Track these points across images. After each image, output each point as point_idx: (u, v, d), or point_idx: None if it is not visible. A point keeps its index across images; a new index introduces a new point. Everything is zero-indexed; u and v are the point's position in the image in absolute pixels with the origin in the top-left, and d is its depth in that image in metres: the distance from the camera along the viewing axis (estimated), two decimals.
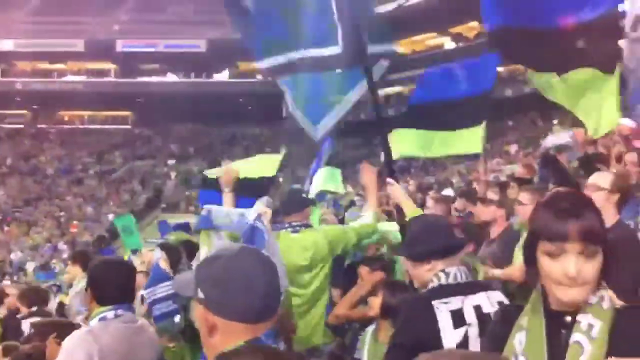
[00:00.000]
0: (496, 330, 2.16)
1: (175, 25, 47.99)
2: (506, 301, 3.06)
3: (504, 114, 29.30)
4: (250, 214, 4.52)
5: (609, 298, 1.99)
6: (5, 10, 45.53)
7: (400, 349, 2.92)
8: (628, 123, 6.82)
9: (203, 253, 6.89)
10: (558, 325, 1.98)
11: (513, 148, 23.42)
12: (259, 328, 1.85)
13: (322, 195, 9.67)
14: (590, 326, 1.93)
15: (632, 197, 4.86)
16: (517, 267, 5.06)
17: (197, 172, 44.53)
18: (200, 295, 1.87)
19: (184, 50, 49.14)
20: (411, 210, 4.60)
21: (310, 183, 9.96)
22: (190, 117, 47.71)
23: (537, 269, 1.99)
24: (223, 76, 51.29)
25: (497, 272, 5.18)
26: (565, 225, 1.92)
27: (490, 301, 2.98)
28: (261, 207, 4.62)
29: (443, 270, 3.05)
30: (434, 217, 4.49)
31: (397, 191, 4.84)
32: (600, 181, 4.56)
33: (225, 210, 4.96)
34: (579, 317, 1.96)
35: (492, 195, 6.66)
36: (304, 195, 7.40)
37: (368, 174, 5.29)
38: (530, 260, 2.02)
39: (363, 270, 4.71)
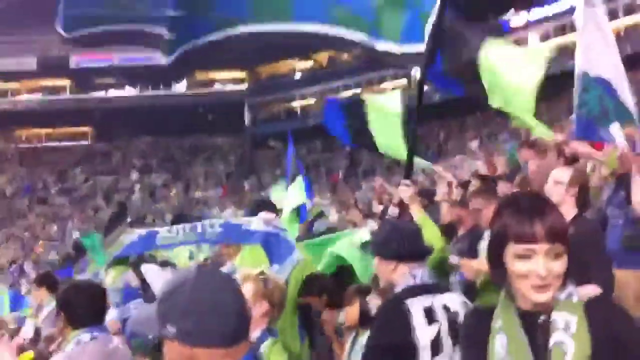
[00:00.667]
0: (471, 333, 2.17)
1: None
2: (468, 302, 3.23)
3: (464, 111, 29.63)
4: (257, 223, 4.50)
5: (576, 291, 2.03)
6: None
7: (378, 350, 3.00)
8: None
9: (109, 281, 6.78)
10: (533, 325, 2.01)
11: (474, 144, 23.70)
12: (239, 351, 1.80)
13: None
14: (568, 323, 1.98)
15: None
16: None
17: (161, 184, 44.26)
18: (171, 330, 1.75)
19: (140, 63, 48.71)
20: (419, 216, 4.77)
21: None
22: (150, 130, 47.35)
23: (504, 269, 2.02)
24: (181, 87, 51.02)
25: (474, 263, 5.27)
26: (532, 227, 1.96)
27: (456, 300, 3.15)
28: (266, 215, 4.62)
29: (411, 273, 3.16)
30: (406, 221, 4.61)
31: (409, 194, 4.99)
32: (559, 175, 4.71)
33: (184, 227, 4.86)
34: (554, 315, 2.00)
35: (455, 195, 6.75)
36: (270, 205, 7.41)
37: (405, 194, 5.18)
38: (496, 261, 2.04)
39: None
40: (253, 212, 5.45)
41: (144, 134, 48.10)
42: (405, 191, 5.03)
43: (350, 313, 4.25)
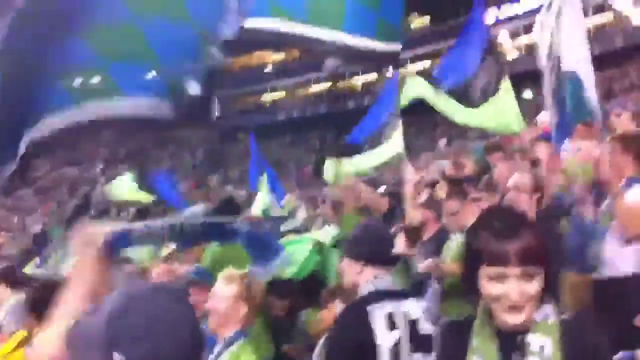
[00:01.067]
0: (448, 351, 2.16)
1: None
2: (432, 309, 3.33)
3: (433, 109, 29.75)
4: (239, 223, 4.38)
5: (552, 311, 2.02)
6: None
7: (339, 352, 3.04)
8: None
9: None
10: (510, 346, 1.99)
11: (442, 143, 23.75)
12: None
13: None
14: (542, 347, 1.96)
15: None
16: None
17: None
18: (119, 358, 1.53)
19: None
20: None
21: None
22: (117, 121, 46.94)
23: (477, 290, 2.01)
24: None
25: (446, 266, 5.24)
26: (505, 249, 1.93)
27: (417, 307, 3.15)
28: (250, 215, 4.56)
29: (376, 278, 3.16)
30: (380, 224, 4.59)
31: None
32: (519, 181, 4.83)
33: (163, 222, 4.72)
34: (529, 339, 1.97)
35: (423, 197, 6.70)
36: (237, 201, 7.32)
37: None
38: (470, 281, 2.02)
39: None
40: (220, 210, 5.34)
41: (110, 125, 47.62)
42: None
43: (326, 315, 4.33)
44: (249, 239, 4.31)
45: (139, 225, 4.87)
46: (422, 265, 5.20)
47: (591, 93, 4.99)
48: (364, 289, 3.17)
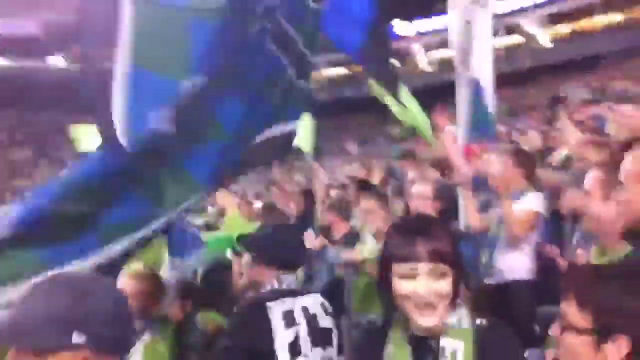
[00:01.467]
0: (365, 356, 2.16)
1: (7, 4, 45.09)
2: (327, 303, 3.21)
3: (343, 113, 30.03)
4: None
5: (466, 316, 2.02)
6: None
7: (234, 350, 2.98)
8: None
9: None
10: (423, 351, 2.00)
11: (352, 146, 23.96)
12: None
13: None
14: (455, 351, 1.97)
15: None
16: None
17: (24, 161, 42.26)
18: (78, 338, 1.63)
19: (15, 32, 46.36)
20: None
21: None
22: (19, 103, 45.12)
23: (391, 291, 2.01)
24: (58, 61, 48.88)
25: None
26: (415, 246, 1.96)
27: (315, 302, 3.16)
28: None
29: (278, 278, 3.18)
30: (289, 227, 4.62)
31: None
32: (422, 190, 5.07)
33: None
34: (442, 342, 1.98)
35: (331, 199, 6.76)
36: None
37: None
38: (385, 283, 2.02)
39: None
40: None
41: (10, 107, 45.78)
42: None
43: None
44: (172, 230, 4.23)
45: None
46: (345, 254, 5.23)
47: (490, 104, 5.31)
48: (266, 286, 3.19)
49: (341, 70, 39.94)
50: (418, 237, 1.97)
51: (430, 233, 1.98)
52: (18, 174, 40.68)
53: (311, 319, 3.08)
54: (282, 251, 3.25)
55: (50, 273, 2.48)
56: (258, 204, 9.67)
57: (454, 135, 5.12)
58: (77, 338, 1.62)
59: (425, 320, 1.96)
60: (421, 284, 1.94)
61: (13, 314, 1.64)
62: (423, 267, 1.95)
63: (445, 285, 1.96)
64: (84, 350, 1.63)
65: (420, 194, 4.99)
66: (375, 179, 8.81)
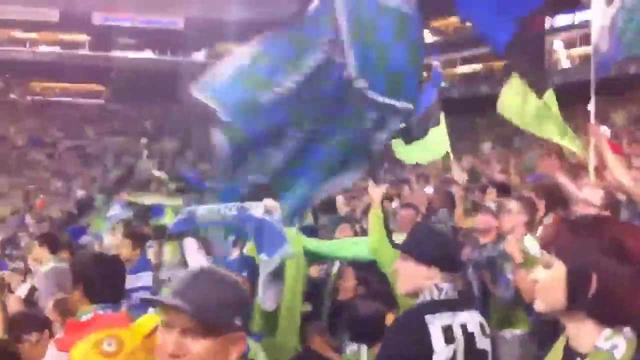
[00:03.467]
0: None
1: (153, 1, 47.38)
2: (484, 322, 3.12)
3: (477, 111, 29.44)
4: (257, 209, 4.47)
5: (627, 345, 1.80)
6: None
7: None
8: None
9: (168, 259, 6.96)
10: None
11: (486, 146, 23.53)
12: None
13: None
14: None
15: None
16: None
17: (170, 151, 44.18)
18: (238, 322, 1.86)
19: (161, 27, 48.60)
20: (372, 219, 4.74)
21: None
22: (165, 96, 47.25)
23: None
24: (200, 56, 50.86)
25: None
26: None
27: (473, 320, 3.04)
28: (269, 202, 4.57)
29: (437, 285, 3.03)
30: (445, 229, 4.50)
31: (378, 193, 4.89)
32: (593, 197, 4.76)
33: (213, 207, 4.92)
34: None
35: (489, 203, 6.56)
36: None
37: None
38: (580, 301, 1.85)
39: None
40: (251, 194, 5.39)
41: (157, 99, 48.00)
42: (375, 190, 4.93)
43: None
44: (258, 226, 4.42)
45: (201, 208, 5.10)
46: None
47: None
48: (422, 297, 3.06)
49: (477, 67, 39.18)
50: None
51: None
52: (165, 164, 42.53)
53: (469, 338, 2.96)
54: (438, 247, 3.09)
55: None
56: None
57: (607, 137, 4.92)
58: (238, 322, 1.84)
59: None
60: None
61: (185, 293, 1.79)
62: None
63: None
64: (241, 332, 1.85)
65: (589, 201, 4.73)
66: (515, 179, 8.68)
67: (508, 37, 5.27)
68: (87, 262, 3.57)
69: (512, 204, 5.44)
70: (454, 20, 40.26)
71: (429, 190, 10.80)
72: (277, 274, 4.30)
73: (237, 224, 4.86)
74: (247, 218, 4.53)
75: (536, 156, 9.53)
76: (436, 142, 8.22)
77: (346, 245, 5.29)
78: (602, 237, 1.82)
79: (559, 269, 1.85)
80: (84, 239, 12.38)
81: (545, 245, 1.92)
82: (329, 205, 10.19)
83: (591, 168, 5.72)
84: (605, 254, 1.79)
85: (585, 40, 24.94)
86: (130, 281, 5.72)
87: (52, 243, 7.35)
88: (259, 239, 4.45)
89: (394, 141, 8.05)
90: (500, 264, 5.12)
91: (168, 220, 8.73)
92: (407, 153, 9.00)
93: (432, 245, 3.10)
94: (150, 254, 7.13)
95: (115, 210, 12.60)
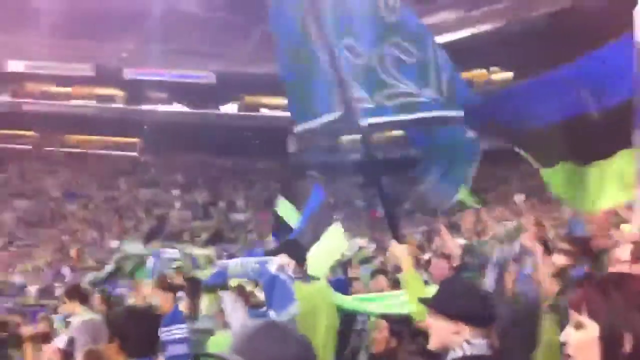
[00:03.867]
0: None
1: (184, 56, 48.35)
2: None
3: (509, 162, 29.42)
4: (272, 264, 4.65)
5: None
6: (18, 31, 45.95)
7: None
8: None
9: (204, 307, 7.10)
10: None
11: (518, 198, 23.35)
12: None
13: None
14: None
15: None
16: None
17: (201, 202, 44.54)
18: None
19: (191, 81, 49.49)
20: (407, 274, 4.59)
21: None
22: (196, 148, 47.88)
23: None
24: (230, 108, 51.62)
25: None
26: None
27: None
28: (284, 259, 4.73)
29: (468, 341, 2.94)
30: (473, 282, 4.46)
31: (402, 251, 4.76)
32: (622, 255, 4.73)
33: (240, 261, 5.11)
34: None
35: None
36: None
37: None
38: None
39: None
40: (278, 250, 5.54)
41: (189, 151, 48.62)
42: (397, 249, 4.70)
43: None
44: (270, 282, 4.55)
45: (233, 262, 5.31)
46: None
47: None
48: (453, 354, 2.97)
49: None
50: None
51: None
52: (196, 216, 42.86)
53: None
54: (467, 302, 2.99)
55: None
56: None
57: None
58: None
59: None
60: None
61: (246, 350, 1.76)
62: None
63: None
64: None
65: (623, 259, 4.64)
66: (550, 234, 8.61)
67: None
68: (122, 317, 3.68)
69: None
70: (481, 72, 40.59)
71: (460, 240, 10.77)
72: None
73: (256, 278, 5.01)
74: (264, 272, 4.69)
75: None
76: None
77: (378, 300, 5.37)
78: (631, 294, 1.83)
79: (592, 330, 1.85)
80: (118, 291, 12.50)
81: (574, 306, 1.91)
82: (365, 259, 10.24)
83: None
84: (637, 310, 1.79)
85: None
86: (165, 333, 5.86)
87: (81, 295, 7.51)
88: (269, 294, 4.58)
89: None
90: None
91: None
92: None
93: (459, 300, 3.00)
94: (182, 305, 7.24)
95: (150, 263, 12.69)
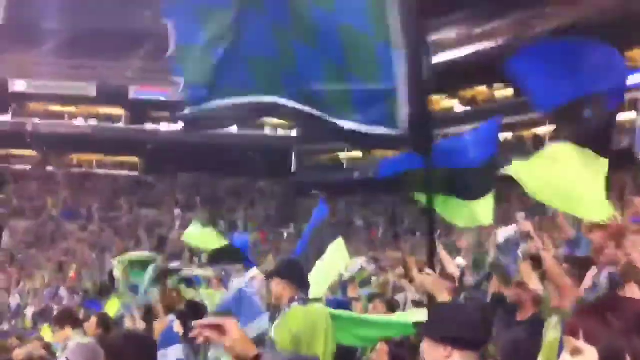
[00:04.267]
0: None
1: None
2: None
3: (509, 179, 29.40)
4: (239, 278, 4.63)
5: None
6: (21, 51, 46.19)
7: None
8: None
9: None
10: None
11: (520, 216, 23.26)
12: None
13: None
14: None
15: None
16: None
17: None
18: None
19: None
20: None
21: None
22: (196, 167, 47.87)
23: None
24: (232, 127, 51.64)
25: None
26: None
27: None
28: (254, 272, 4.71)
29: None
30: (467, 305, 4.46)
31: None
32: None
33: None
34: None
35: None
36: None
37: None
38: None
39: None
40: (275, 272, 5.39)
41: (190, 171, 48.63)
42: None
43: None
44: (239, 297, 4.51)
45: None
46: None
47: None
48: None
49: (507, 135, 39.32)
50: None
51: None
52: None
53: None
54: (458, 326, 2.99)
55: None
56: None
57: None
58: None
59: None
60: None
61: None
62: None
63: None
64: None
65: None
66: (551, 252, 8.52)
67: (559, 102, 5.35)
68: (119, 342, 3.63)
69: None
70: (483, 90, 40.70)
71: (460, 260, 10.65)
72: None
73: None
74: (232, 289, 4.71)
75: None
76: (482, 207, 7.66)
77: (377, 324, 5.28)
78: (627, 316, 1.82)
79: (591, 354, 1.83)
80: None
81: (571, 331, 1.90)
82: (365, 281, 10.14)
83: None
84: (634, 333, 1.79)
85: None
86: (162, 355, 5.74)
87: (71, 320, 7.43)
88: (237, 308, 4.58)
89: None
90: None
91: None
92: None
93: (447, 325, 3.01)
94: (176, 326, 7.10)
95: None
